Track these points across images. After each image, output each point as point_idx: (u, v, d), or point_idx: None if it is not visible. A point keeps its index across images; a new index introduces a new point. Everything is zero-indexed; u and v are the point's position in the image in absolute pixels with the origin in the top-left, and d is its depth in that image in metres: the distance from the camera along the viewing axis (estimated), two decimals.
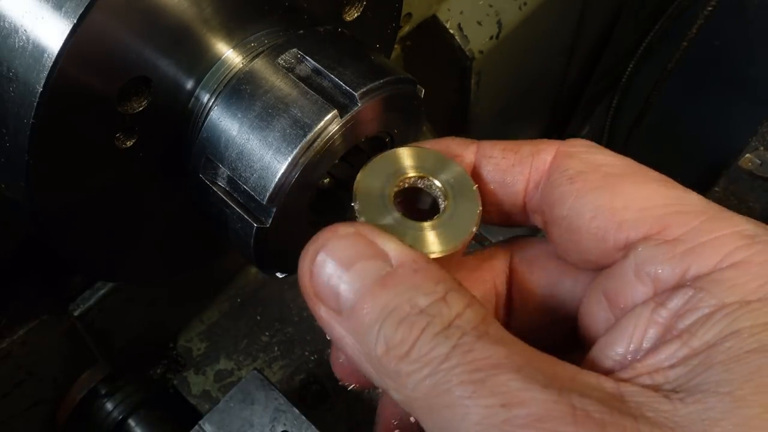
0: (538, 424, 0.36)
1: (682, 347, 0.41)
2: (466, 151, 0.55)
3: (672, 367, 0.41)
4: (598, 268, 0.49)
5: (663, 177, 0.49)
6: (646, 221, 0.45)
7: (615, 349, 0.45)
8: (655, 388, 0.40)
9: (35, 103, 0.55)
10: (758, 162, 1.22)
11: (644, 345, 0.43)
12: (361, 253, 0.44)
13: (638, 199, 0.46)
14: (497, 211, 0.55)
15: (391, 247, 0.45)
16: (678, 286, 0.43)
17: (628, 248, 0.46)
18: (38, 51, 0.54)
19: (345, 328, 0.43)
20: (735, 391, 0.38)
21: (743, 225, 0.45)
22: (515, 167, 0.52)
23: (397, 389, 0.41)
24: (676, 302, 0.42)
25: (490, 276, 0.57)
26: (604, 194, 0.47)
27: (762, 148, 1.23)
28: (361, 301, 0.42)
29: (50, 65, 0.54)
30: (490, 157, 0.54)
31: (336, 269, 0.44)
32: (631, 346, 0.44)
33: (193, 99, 0.66)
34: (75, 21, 0.53)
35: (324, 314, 0.45)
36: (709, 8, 1.59)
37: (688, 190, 0.48)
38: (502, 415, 0.36)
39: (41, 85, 0.54)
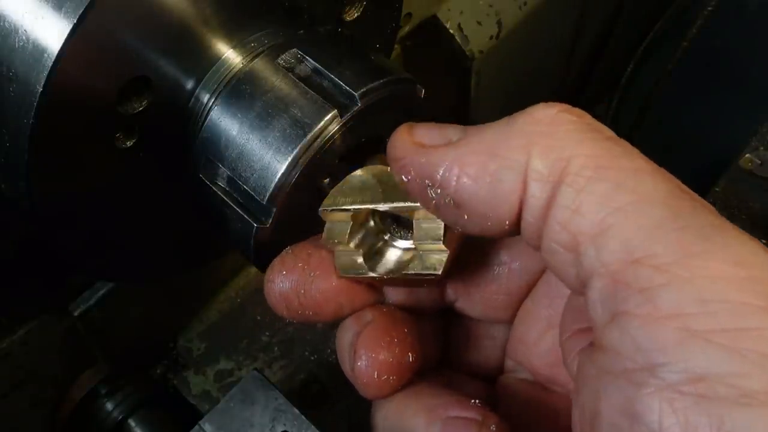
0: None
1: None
2: None
3: None
4: None
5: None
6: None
7: None
8: None
9: (35, 103, 0.55)
10: (758, 162, 1.22)
11: None
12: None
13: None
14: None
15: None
16: None
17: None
18: (38, 51, 0.54)
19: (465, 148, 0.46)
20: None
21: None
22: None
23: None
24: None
25: None
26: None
27: (762, 148, 1.23)
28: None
29: (50, 65, 0.54)
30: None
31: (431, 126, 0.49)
32: None
33: (193, 99, 0.66)
34: (75, 21, 0.53)
35: (434, 153, 0.47)
36: (709, 8, 1.59)
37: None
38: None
39: (41, 85, 0.54)
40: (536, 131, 0.44)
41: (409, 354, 0.52)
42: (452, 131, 0.48)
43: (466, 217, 0.46)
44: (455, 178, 0.45)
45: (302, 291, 0.54)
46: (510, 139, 0.44)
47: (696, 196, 0.42)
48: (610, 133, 0.44)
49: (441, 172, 0.46)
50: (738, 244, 0.39)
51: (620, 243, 0.40)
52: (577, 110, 0.45)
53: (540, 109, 0.45)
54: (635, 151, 0.44)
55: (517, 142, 0.44)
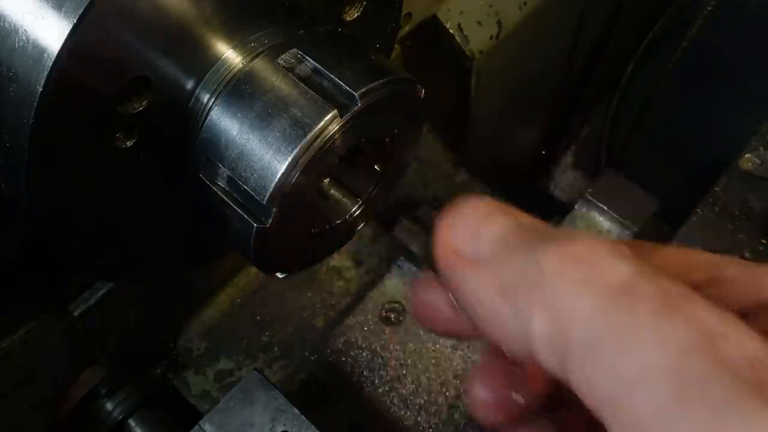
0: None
1: None
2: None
3: None
4: None
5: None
6: None
7: None
8: None
9: (35, 103, 0.55)
10: (758, 162, 1.22)
11: None
12: (492, 211, 0.46)
13: None
14: None
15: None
16: None
17: None
18: (38, 51, 0.54)
19: (485, 275, 0.44)
20: None
21: None
22: None
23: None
24: None
25: None
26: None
27: (762, 148, 1.23)
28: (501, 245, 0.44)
29: (50, 65, 0.54)
30: None
31: (473, 225, 0.46)
32: None
33: (193, 99, 0.66)
34: (75, 21, 0.53)
35: (460, 270, 0.45)
36: (709, 8, 1.59)
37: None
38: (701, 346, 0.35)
39: (41, 85, 0.54)
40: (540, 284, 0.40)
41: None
42: (490, 236, 0.45)
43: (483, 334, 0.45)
44: (468, 307, 0.45)
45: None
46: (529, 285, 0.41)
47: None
48: (612, 277, 0.39)
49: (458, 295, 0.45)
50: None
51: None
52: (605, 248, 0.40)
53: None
54: (641, 291, 0.38)
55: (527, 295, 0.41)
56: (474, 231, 0.45)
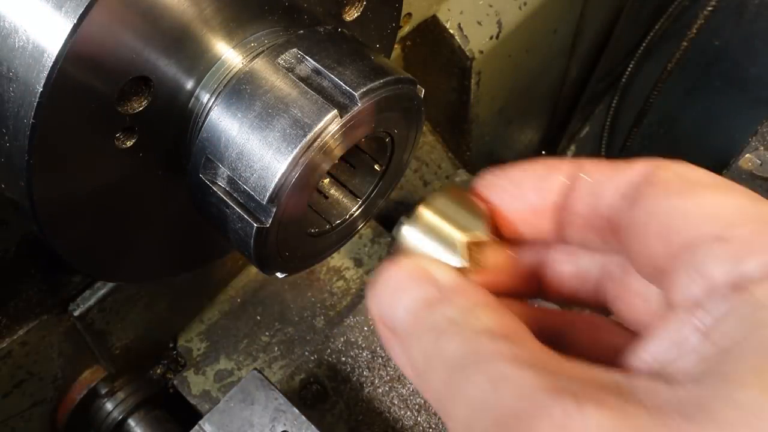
0: (520, 394, 0.40)
1: (704, 342, 0.41)
2: (564, 165, 0.55)
3: (690, 354, 0.41)
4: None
5: (749, 192, 0.48)
6: (714, 224, 0.44)
7: (654, 347, 0.45)
8: (666, 375, 0.41)
9: (35, 103, 0.55)
10: (758, 162, 1.22)
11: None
12: (417, 280, 0.51)
13: (714, 204, 0.46)
14: (588, 230, 0.54)
15: (442, 274, 0.51)
16: (728, 292, 0.42)
17: (689, 249, 0.45)
18: (38, 51, 0.54)
19: (399, 348, 0.50)
20: (731, 375, 0.38)
21: None
22: (610, 179, 0.52)
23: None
24: (717, 303, 0.42)
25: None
26: (681, 198, 0.47)
27: (762, 148, 1.23)
28: (410, 320, 0.49)
29: (50, 65, 0.54)
30: (586, 169, 0.54)
31: (391, 297, 0.50)
32: (665, 344, 0.44)
33: (193, 99, 0.65)
34: (75, 21, 0.53)
35: (385, 336, 0.51)
36: (709, 8, 1.59)
37: None
38: (491, 390, 0.41)
39: (41, 85, 0.54)
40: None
41: None
42: (403, 308, 0.50)
43: None
44: None
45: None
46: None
47: None
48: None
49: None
50: None
51: None
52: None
53: None
54: None
55: None
56: (391, 301, 0.50)
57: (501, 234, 0.59)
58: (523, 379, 0.41)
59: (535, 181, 0.56)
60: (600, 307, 0.58)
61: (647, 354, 0.44)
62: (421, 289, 0.50)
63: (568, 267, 0.59)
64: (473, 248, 0.57)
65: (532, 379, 0.41)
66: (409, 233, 0.57)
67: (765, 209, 0.46)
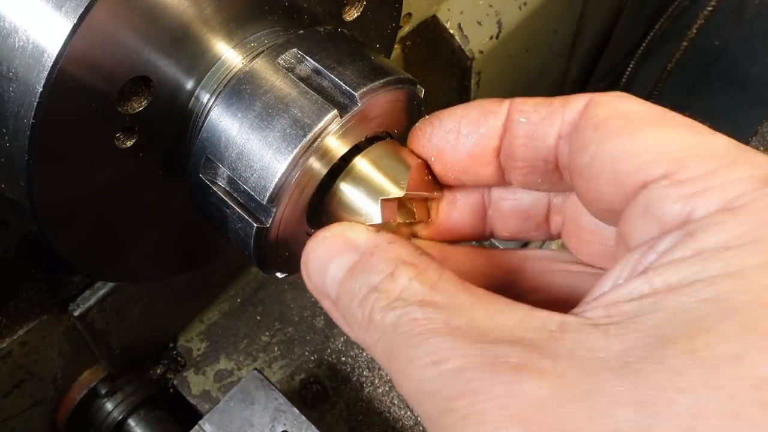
0: (461, 375, 0.40)
1: (644, 284, 0.41)
2: (499, 108, 0.54)
3: (629, 301, 0.41)
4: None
5: (692, 122, 0.47)
6: (663, 163, 0.44)
7: (600, 289, 0.44)
8: (601, 322, 0.41)
9: (35, 103, 0.55)
10: None
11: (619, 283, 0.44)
12: (337, 249, 0.52)
13: (660, 143, 0.45)
14: (530, 172, 0.53)
15: (360, 237, 0.52)
16: (679, 234, 0.42)
17: (642, 190, 0.45)
18: (38, 51, 0.54)
19: (342, 319, 0.50)
20: (665, 334, 0.37)
21: (762, 168, 0.43)
22: (546, 120, 0.52)
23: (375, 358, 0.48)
24: (664, 245, 0.41)
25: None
26: (625, 139, 0.46)
27: (762, 148, 1.23)
28: (340, 291, 0.50)
29: (50, 65, 0.54)
30: (521, 111, 0.53)
31: (321, 268, 0.52)
32: (610, 286, 0.44)
33: (193, 99, 0.66)
34: (75, 21, 0.53)
35: (327, 307, 0.52)
36: (709, 8, 1.59)
37: (717, 134, 0.47)
38: (432, 371, 0.41)
39: (41, 85, 0.54)
40: None
41: None
42: (331, 276, 0.52)
43: None
44: None
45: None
46: None
47: None
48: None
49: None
50: None
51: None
52: None
53: None
54: None
55: None
56: (319, 273, 0.52)
57: (440, 183, 0.58)
58: (463, 356, 0.41)
59: (470, 127, 0.55)
60: (555, 239, 0.59)
61: (594, 299, 0.44)
62: (342, 256, 0.50)
63: (512, 204, 0.59)
64: (402, 203, 0.57)
65: (470, 353, 0.41)
66: (344, 188, 0.59)
67: (707, 140, 0.46)
